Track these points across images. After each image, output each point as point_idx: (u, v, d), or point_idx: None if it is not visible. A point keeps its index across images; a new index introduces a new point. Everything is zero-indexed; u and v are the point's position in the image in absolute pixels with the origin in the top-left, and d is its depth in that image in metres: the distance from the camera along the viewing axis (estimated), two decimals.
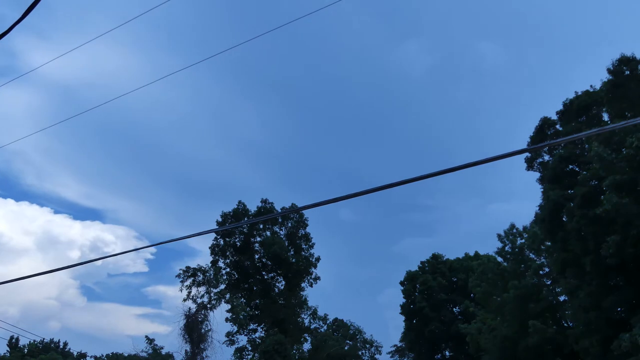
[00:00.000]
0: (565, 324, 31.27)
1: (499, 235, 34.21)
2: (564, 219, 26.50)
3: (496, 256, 35.52)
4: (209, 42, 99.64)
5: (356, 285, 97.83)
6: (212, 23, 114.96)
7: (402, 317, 54.68)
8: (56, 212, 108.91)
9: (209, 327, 32.88)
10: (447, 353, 52.41)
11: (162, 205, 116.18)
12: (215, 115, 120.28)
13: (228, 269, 48.09)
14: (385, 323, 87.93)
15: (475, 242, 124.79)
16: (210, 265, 45.12)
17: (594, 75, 49.09)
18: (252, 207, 48.62)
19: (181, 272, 42.21)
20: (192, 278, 42.13)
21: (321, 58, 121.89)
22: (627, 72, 25.14)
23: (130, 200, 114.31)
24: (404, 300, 54.61)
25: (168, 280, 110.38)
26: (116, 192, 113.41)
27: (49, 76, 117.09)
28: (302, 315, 48.80)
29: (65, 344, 63.82)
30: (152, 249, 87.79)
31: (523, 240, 33.37)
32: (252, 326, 46.72)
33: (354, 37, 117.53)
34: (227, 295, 43.89)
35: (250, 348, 45.51)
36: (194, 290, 41.51)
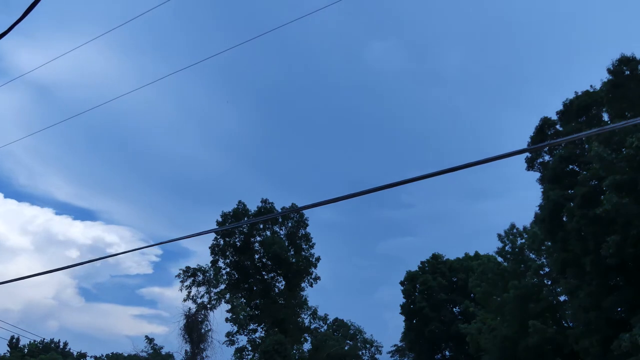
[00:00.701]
0: (565, 324, 31.25)
1: (499, 235, 34.18)
2: (564, 219, 26.49)
3: (496, 256, 35.51)
4: (200, 45, 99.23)
5: (356, 285, 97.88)
6: (204, 26, 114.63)
7: (402, 317, 54.73)
8: (57, 213, 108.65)
9: (209, 327, 32.96)
10: (447, 353, 52.40)
11: (154, 207, 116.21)
12: (205, 118, 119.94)
13: (228, 269, 48.14)
14: (385, 323, 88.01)
15: (471, 242, 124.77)
16: (210, 265, 45.18)
17: (594, 75, 49.04)
18: (252, 207, 48.73)
19: (181, 272, 42.27)
20: (192, 278, 42.17)
21: (310, 61, 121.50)
22: (627, 72, 25.14)
23: (123, 201, 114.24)
24: (404, 300, 54.62)
25: (164, 282, 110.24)
26: (107, 193, 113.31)
27: (35, 77, 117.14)
28: (302, 315, 48.84)
29: (66, 344, 63.86)
30: (159, 251, 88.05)
31: (523, 240, 33.37)
32: (252, 326, 46.75)
33: (333, 38, 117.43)
34: (227, 295, 43.92)
35: (250, 348, 45.52)
36: (194, 291, 41.58)
